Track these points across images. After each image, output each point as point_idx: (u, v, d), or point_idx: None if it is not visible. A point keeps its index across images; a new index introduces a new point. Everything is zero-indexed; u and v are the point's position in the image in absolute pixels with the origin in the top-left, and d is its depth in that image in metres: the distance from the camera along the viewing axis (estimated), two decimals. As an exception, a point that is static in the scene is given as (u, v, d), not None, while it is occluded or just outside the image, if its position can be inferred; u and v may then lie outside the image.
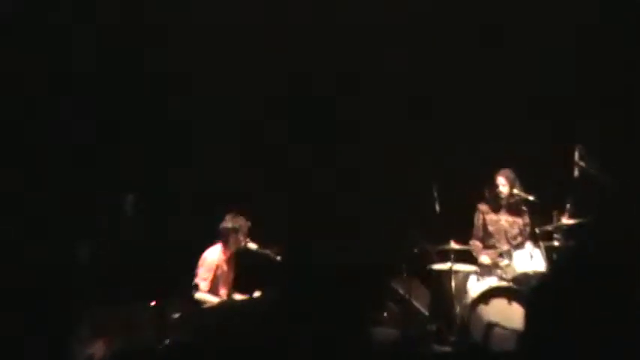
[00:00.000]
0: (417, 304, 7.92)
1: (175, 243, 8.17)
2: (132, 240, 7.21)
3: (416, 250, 7.92)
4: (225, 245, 8.02)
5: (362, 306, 7.35)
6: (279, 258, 7.81)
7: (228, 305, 7.67)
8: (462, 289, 7.99)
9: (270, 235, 7.86)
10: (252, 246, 7.94)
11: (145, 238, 7.70)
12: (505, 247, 8.27)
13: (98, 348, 6.89)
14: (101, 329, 6.99)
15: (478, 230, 8.42)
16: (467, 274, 8.12)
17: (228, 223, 7.99)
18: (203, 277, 7.91)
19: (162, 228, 8.28)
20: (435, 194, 7.95)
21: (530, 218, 8.30)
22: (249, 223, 7.95)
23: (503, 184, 8.27)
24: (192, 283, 7.79)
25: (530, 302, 2.54)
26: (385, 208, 8.67)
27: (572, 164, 7.76)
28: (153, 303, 7.21)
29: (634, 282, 2.60)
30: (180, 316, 7.37)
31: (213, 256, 8.00)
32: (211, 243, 8.07)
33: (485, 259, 8.25)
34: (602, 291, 2.56)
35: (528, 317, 2.49)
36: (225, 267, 8.03)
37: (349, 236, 8.43)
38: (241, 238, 7.98)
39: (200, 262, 7.97)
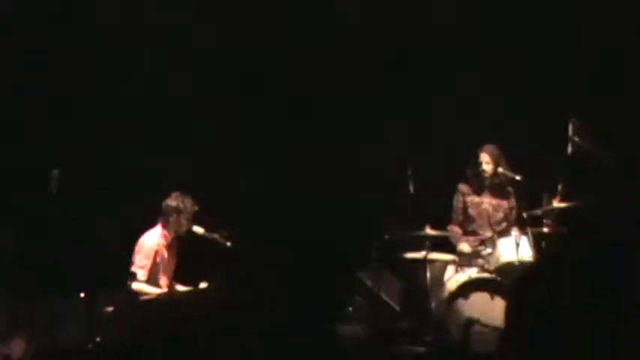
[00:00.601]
0: (386, 297, 7.90)
1: (108, 225, 8.22)
2: (57, 222, 7.09)
3: (386, 237, 7.92)
4: (166, 227, 7.97)
5: (324, 300, 7.43)
6: (229, 244, 7.77)
7: (169, 297, 7.61)
8: (439, 281, 8.00)
9: (222, 224, 7.90)
10: (198, 229, 7.88)
11: (72, 221, 7.64)
12: (488, 233, 8.30)
13: (16, 346, 6.87)
14: (20, 325, 7.00)
15: (457, 214, 8.44)
16: (444, 264, 8.13)
17: (172, 201, 7.93)
18: (140, 265, 7.81)
19: (92, 208, 8.26)
20: (409, 173, 7.94)
21: (516, 201, 8.33)
22: (195, 207, 7.90)
23: (486, 162, 8.27)
24: (128, 272, 7.73)
25: (513, 295, 2.47)
26: (352, 189, 8.67)
27: (565, 139, 7.76)
28: (81, 295, 7.19)
29: (633, 273, 2.53)
30: (113, 310, 7.32)
31: (152, 240, 7.92)
32: (150, 225, 7.98)
33: (464, 247, 8.28)
34: (598, 284, 2.50)
35: (511, 312, 2.42)
36: (165, 253, 7.95)
37: (311, 220, 8.45)
38: (184, 221, 7.91)
39: (137, 248, 7.89)
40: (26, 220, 7.72)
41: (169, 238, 7.98)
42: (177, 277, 8.05)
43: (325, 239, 8.12)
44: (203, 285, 7.72)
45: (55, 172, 7.19)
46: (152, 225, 8.02)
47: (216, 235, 7.84)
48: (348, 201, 8.56)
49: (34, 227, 7.67)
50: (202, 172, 8.54)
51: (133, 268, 7.83)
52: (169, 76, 8.66)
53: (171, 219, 7.90)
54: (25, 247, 7.51)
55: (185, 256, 8.00)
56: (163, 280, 7.92)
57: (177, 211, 7.88)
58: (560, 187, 7.68)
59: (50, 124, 8.37)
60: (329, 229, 8.26)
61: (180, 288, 7.97)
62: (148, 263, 7.81)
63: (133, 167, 8.56)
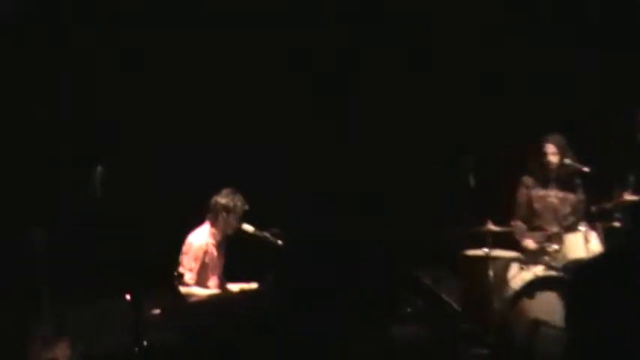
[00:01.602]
0: (447, 297, 7.70)
1: (155, 224, 7.63)
2: (101, 221, 6.88)
3: (446, 233, 7.99)
4: (215, 226, 7.95)
5: (380, 299, 7.27)
6: (280, 242, 7.69)
7: (219, 298, 7.60)
8: (502, 280, 7.92)
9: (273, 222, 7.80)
10: (248, 228, 7.84)
11: (116, 219, 7.27)
12: (554, 228, 8.17)
13: (61, 351, 6.84)
14: (64, 328, 6.92)
15: (521, 208, 8.35)
16: (507, 262, 8.05)
17: (222, 198, 7.90)
18: (189, 267, 7.81)
19: (138, 207, 7.87)
20: (469, 166, 7.92)
21: (584, 194, 8.24)
22: (246, 206, 7.86)
23: (552, 153, 8.17)
24: (176, 273, 7.59)
25: (572, 291, 2.37)
26: (411, 183, 8.60)
27: (635, 128, 7.70)
28: (127, 297, 6.92)
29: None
30: (161, 313, 7.16)
31: (201, 240, 7.91)
32: (197, 223, 7.97)
33: (529, 243, 8.20)
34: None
35: (569, 310, 2.32)
36: (214, 252, 7.96)
37: (367, 216, 8.44)
38: (233, 220, 7.91)
39: (184, 248, 7.88)
40: (67, 220, 7.51)
41: (218, 236, 7.97)
42: (225, 276, 8.05)
43: (382, 237, 7.76)
44: (253, 285, 7.73)
45: (100, 168, 6.99)
46: (200, 223, 7.98)
47: (266, 234, 7.77)
48: (404, 196, 8.54)
49: (76, 228, 7.39)
50: (251, 169, 8.50)
51: (181, 269, 7.81)
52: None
53: (220, 217, 7.89)
54: (66, 248, 7.24)
55: (234, 255, 7.99)
56: (212, 281, 7.92)
57: (227, 209, 7.88)
58: (630, 178, 7.64)
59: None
60: (385, 225, 8.12)
61: (230, 287, 7.96)
62: (196, 265, 7.80)
63: (185, 164, 8.53)
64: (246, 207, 7.81)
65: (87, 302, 7.06)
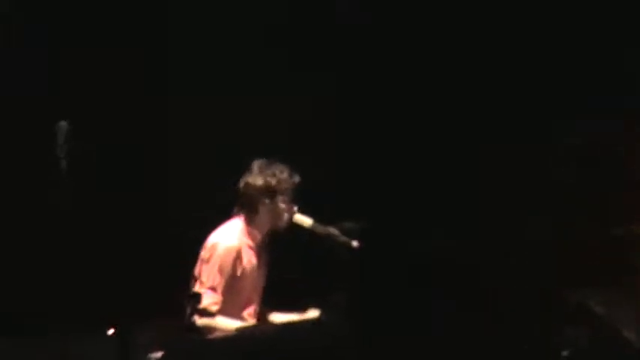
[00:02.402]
0: (622, 328, 6.53)
1: (151, 215, 6.86)
2: (66, 208, 5.48)
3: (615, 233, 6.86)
4: (252, 222, 6.08)
5: (520, 332, 6.51)
6: (355, 244, 5.93)
7: (258, 335, 5.91)
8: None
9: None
10: (304, 220, 6.06)
11: (90, 205, 6.23)
12: None
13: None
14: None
15: None
16: None
17: (256, 177, 6.05)
18: (210, 284, 5.95)
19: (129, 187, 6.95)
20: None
21: None
22: (297, 179, 6.08)
23: None
24: (190, 294, 5.95)
25: None
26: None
27: None
28: (110, 332, 5.84)
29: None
30: (163, 356, 5.87)
31: (230, 241, 6.03)
32: (223, 218, 6.21)
33: None
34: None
35: None
36: (253, 261, 6.09)
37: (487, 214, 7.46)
38: (282, 207, 6.01)
39: (204, 254, 6.05)
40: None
41: (258, 237, 6.09)
42: (268, 299, 6.37)
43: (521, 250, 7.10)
44: (312, 313, 6.19)
45: (63, 123, 5.49)
46: (225, 219, 6.17)
47: (334, 230, 5.99)
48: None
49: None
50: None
51: (198, 288, 5.96)
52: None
53: (260, 207, 6.03)
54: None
55: (280, 265, 6.46)
56: (249, 309, 6.18)
57: (270, 191, 6.01)
58: None
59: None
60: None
61: (275, 318, 6.34)
62: (222, 281, 5.95)
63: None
64: (297, 179, 6.06)
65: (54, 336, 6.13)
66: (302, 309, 6.25)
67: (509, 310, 6.80)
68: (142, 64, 7.37)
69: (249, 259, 6.04)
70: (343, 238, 5.94)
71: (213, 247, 5.98)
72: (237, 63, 7.49)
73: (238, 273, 5.95)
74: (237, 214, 6.10)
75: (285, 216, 6.04)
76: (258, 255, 6.09)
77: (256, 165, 6.06)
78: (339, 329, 5.76)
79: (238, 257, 5.97)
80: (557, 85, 7.64)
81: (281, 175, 6.04)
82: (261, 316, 6.21)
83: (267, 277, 6.22)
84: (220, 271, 5.91)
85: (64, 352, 6.00)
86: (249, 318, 6.09)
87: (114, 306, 6.42)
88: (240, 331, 5.90)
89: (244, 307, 6.09)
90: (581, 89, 7.40)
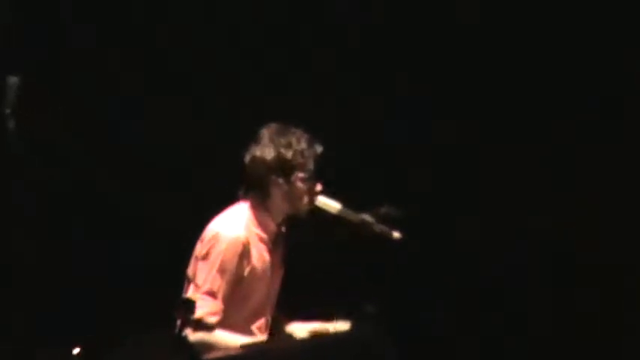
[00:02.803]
0: None
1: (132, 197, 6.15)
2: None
3: None
4: (261, 206, 4.98)
5: None
6: (396, 235, 4.88)
7: (270, 356, 4.81)
8: None
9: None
10: (332, 205, 4.98)
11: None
12: None
13: None
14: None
15: None
16: None
17: (266, 149, 4.91)
18: (208, 288, 4.85)
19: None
20: None
21: None
22: (319, 148, 4.96)
23: None
24: (181, 300, 4.88)
25: None
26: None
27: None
28: (75, 350, 4.72)
29: None
30: None
31: (235, 232, 4.90)
32: (226, 204, 5.10)
33: None
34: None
35: None
36: (264, 258, 4.99)
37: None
38: (302, 185, 4.90)
39: (200, 249, 4.94)
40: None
41: (271, 226, 4.98)
42: (284, 305, 5.31)
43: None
44: (341, 326, 5.07)
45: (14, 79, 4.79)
46: (228, 204, 5.08)
47: (368, 217, 4.90)
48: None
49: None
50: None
51: (192, 294, 4.88)
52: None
53: (273, 188, 4.92)
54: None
55: (299, 262, 5.36)
56: (260, 320, 5.10)
57: (285, 166, 4.90)
58: None
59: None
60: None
61: (294, 330, 5.25)
62: (224, 283, 4.85)
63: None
64: (321, 149, 4.96)
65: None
66: (326, 317, 5.10)
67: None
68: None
69: (260, 255, 4.89)
70: (381, 228, 4.83)
71: (213, 239, 4.80)
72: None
73: (245, 273, 4.80)
74: (243, 197, 4.90)
75: (306, 198, 4.85)
76: (272, 250, 4.94)
77: (266, 132, 4.86)
78: (379, 344, 4.62)
79: (246, 252, 4.82)
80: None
81: (298, 144, 4.87)
82: (275, 328, 5.13)
83: (285, 279, 5.02)
84: (221, 270, 4.76)
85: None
86: (258, 332, 5.02)
87: (79, 318, 5.51)
88: (247, 350, 4.72)
89: (253, 319, 5.01)
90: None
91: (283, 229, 4.95)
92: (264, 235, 4.86)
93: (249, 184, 4.85)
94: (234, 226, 4.79)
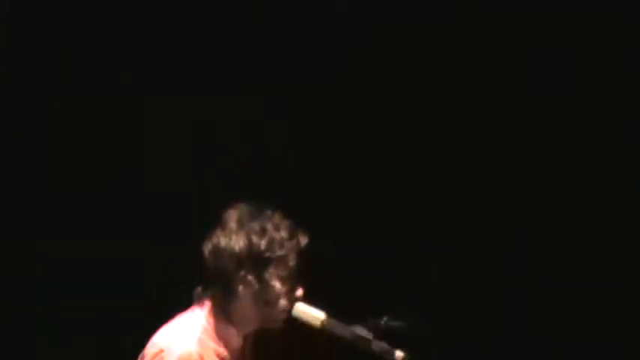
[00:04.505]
0: None
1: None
2: None
3: None
4: (222, 313, 3.93)
5: None
6: (400, 355, 3.86)
7: None
8: None
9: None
10: (314, 315, 3.92)
11: None
12: None
13: None
14: None
15: None
16: None
17: (233, 236, 3.92)
18: None
19: None
20: None
21: None
22: (304, 239, 3.97)
23: None
24: None
25: None
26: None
27: None
28: None
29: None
30: None
31: (185, 346, 3.86)
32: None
33: None
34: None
35: None
36: None
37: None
38: (278, 286, 3.91)
39: None
40: None
41: (235, 341, 3.94)
42: None
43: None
44: None
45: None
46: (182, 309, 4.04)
47: (363, 332, 3.87)
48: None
49: None
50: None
51: None
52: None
53: (241, 287, 3.90)
54: None
55: None
56: None
57: (257, 258, 3.89)
58: None
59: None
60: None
61: None
62: None
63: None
64: (305, 241, 3.99)
65: None
66: None
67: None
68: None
69: None
70: (379, 346, 3.79)
71: (157, 356, 3.75)
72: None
73: None
74: (199, 300, 3.84)
75: (282, 304, 3.79)
76: None
77: (234, 215, 3.84)
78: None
79: None
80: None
81: (276, 232, 3.84)
82: None
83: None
84: None
85: None
86: None
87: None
88: None
89: None
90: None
91: (248, 344, 3.88)
92: (224, 352, 3.79)
93: (209, 282, 3.80)
94: (185, 340, 3.73)
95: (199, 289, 3.81)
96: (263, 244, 3.72)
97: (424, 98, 6.31)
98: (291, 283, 3.75)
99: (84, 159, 6.17)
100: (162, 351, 3.69)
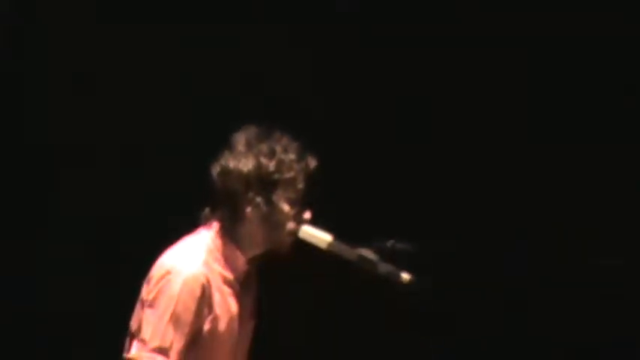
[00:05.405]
0: None
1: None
2: None
3: None
4: (229, 235, 3.98)
5: None
6: (406, 277, 3.95)
7: None
8: None
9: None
10: (320, 237, 4.02)
11: None
12: None
13: None
14: None
15: None
16: None
17: (242, 158, 3.94)
18: (158, 343, 3.84)
19: None
20: None
21: None
22: (312, 162, 4.00)
23: None
24: None
25: None
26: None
27: None
28: None
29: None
30: None
31: (191, 269, 3.90)
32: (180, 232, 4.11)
33: None
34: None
35: None
36: (229, 306, 3.98)
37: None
38: (286, 208, 3.93)
39: (147, 292, 3.95)
40: None
41: (241, 262, 4.00)
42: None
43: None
44: None
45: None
46: (184, 234, 4.08)
47: (369, 254, 3.96)
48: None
49: None
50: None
51: (137, 352, 3.89)
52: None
53: (248, 209, 3.95)
54: None
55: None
56: None
57: (265, 180, 3.93)
58: None
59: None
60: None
61: None
62: (179, 336, 3.85)
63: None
64: (313, 163, 3.99)
65: None
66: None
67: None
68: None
69: (225, 302, 3.85)
70: (385, 268, 3.87)
71: (164, 278, 3.78)
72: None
73: (205, 325, 3.78)
74: (206, 221, 3.88)
75: (289, 226, 3.84)
76: (240, 293, 3.90)
77: (243, 137, 3.87)
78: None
79: (206, 297, 3.79)
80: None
81: (285, 154, 3.87)
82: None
83: (256, 331, 3.97)
84: (175, 320, 3.74)
85: None
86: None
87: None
88: None
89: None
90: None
91: (255, 268, 3.95)
92: (229, 276, 3.85)
93: (217, 203, 3.85)
94: (191, 262, 3.79)
95: (207, 210, 3.86)
96: (272, 165, 3.77)
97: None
98: (298, 205, 3.81)
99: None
100: (169, 273, 3.75)
